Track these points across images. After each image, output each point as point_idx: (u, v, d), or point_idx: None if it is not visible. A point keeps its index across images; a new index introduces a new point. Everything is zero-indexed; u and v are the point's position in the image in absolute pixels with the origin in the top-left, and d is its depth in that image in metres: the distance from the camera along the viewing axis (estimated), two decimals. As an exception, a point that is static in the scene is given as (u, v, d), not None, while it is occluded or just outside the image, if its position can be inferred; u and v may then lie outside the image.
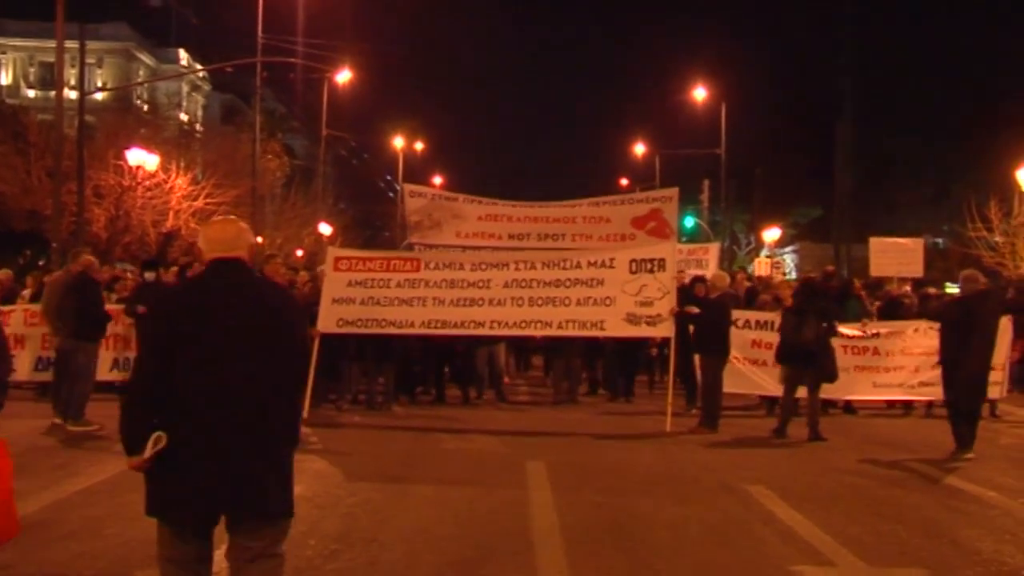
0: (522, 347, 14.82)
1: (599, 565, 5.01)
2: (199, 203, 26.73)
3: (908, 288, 13.21)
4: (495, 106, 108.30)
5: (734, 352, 10.56)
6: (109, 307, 10.31)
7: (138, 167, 24.58)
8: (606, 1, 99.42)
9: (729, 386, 10.38)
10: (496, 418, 10.82)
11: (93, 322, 9.24)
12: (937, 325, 9.21)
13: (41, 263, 22.59)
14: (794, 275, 29.59)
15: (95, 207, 25.00)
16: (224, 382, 3.19)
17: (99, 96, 30.80)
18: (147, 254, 22.75)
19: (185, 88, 44.83)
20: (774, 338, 10.07)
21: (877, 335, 11.28)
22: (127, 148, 24.64)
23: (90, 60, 33.20)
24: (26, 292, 12.73)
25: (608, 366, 12.75)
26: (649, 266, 9.85)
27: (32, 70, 44.77)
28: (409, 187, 13.95)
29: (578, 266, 10.02)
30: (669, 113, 41.31)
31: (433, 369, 12.20)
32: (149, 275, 11.71)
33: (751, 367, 11.02)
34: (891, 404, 11.82)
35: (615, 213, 12.14)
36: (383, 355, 10.92)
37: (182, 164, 27.50)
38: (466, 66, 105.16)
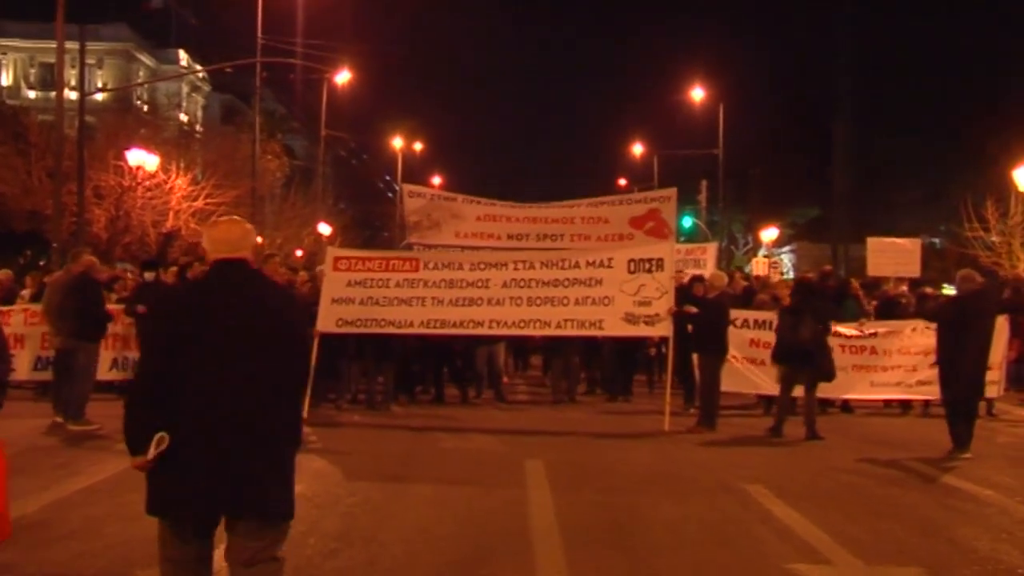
0: (521, 347, 14.85)
1: (597, 563, 5.03)
2: (199, 203, 26.76)
3: (905, 288, 13.23)
4: (494, 106, 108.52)
5: (733, 351, 10.59)
6: (109, 307, 10.33)
7: (138, 167, 24.62)
8: (606, 1, 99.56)
9: (727, 385, 10.41)
10: (495, 417, 10.85)
11: (94, 322, 9.27)
12: (934, 325, 9.23)
13: (42, 263, 22.62)
14: (792, 275, 29.64)
15: (95, 207, 25.03)
16: (226, 382, 3.19)
17: (99, 97, 30.80)
18: (147, 254, 22.78)
19: (185, 89, 44.87)
20: (772, 337, 10.10)
21: (875, 335, 11.31)
22: (127, 149, 24.68)
23: (90, 61, 33.24)
24: (25, 292, 12.75)
25: (608, 366, 12.78)
26: (647, 266, 9.88)
27: (32, 71, 44.82)
28: (408, 187, 13.97)
29: (576, 266, 10.05)
30: (667, 114, 41.57)
31: (432, 369, 12.23)
32: (149, 275, 11.75)
33: (749, 366, 11.05)
34: (888, 403, 11.85)
35: (613, 213, 12.17)
36: (382, 355, 10.95)
37: (182, 164, 27.52)
38: (465, 66, 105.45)
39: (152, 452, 3.13)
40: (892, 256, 13.49)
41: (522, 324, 10.15)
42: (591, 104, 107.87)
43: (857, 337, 11.24)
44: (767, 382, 10.71)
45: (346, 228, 41.58)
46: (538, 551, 5.19)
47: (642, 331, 10.22)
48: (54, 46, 19.41)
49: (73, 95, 24.93)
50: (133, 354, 11.47)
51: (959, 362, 8.39)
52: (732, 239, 44.83)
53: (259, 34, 27.62)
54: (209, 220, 25.99)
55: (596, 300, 9.86)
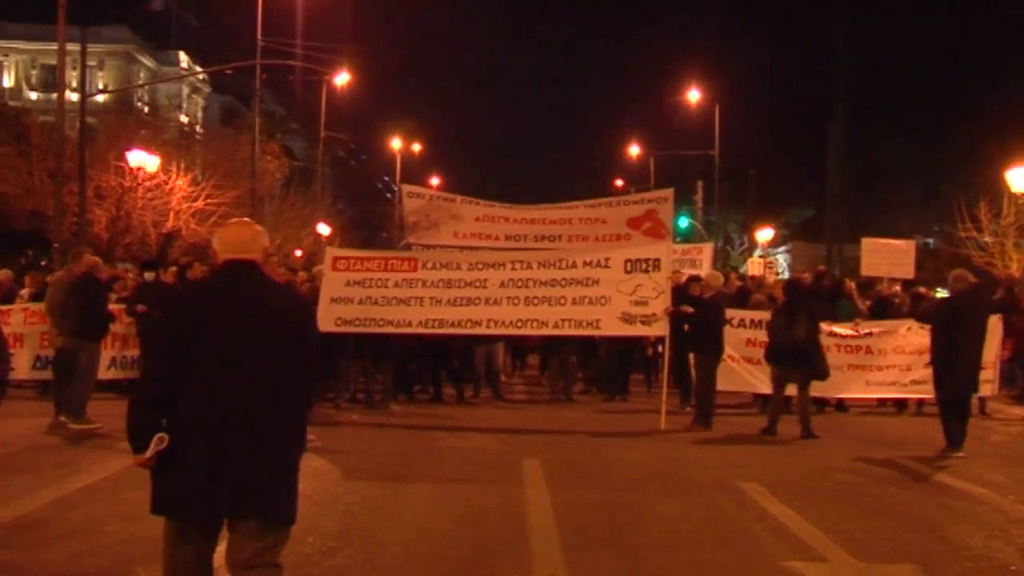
0: (518, 346, 14.90)
1: (594, 561, 5.06)
2: (199, 204, 26.84)
3: (898, 288, 13.28)
4: (491, 107, 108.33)
5: (730, 350, 10.66)
6: (111, 307, 10.37)
7: (139, 168, 24.69)
8: (603, 3, 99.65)
9: (723, 384, 10.46)
10: (493, 416, 10.88)
11: (97, 322, 9.31)
12: (927, 325, 9.28)
13: (43, 263, 22.68)
14: (787, 275, 29.75)
15: (96, 208, 25.10)
16: (230, 382, 3.18)
17: (100, 98, 30.85)
18: (148, 254, 22.85)
19: (185, 90, 44.95)
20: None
21: (870, 334, 11.37)
22: (128, 149, 24.77)
23: (91, 63, 33.25)
24: (25, 292, 12.76)
25: (605, 366, 12.84)
26: (644, 266, 9.92)
27: (34, 73, 44.90)
28: (407, 188, 13.98)
29: (574, 266, 10.09)
30: (664, 115, 41.61)
31: (431, 368, 12.28)
32: (149, 275, 11.81)
33: (746, 365, 11.10)
34: (882, 402, 11.91)
35: (611, 214, 12.20)
36: (381, 354, 10.99)
37: (182, 165, 27.61)
38: (463, 67, 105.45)
39: (151, 451, 3.15)
40: (886, 257, 13.52)
41: (520, 324, 10.19)
42: (588, 105, 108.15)
43: (853, 337, 11.30)
44: (763, 381, 10.75)
45: (345, 228, 41.67)
46: (535, 549, 5.21)
47: (639, 331, 10.27)
48: (55, 48, 19.46)
49: (74, 96, 25.03)
50: (132, 353, 11.54)
51: (954, 361, 8.44)
52: (728, 239, 44.93)
53: (259, 36, 27.70)
54: (209, 220, 26.24)
55: (593, 300, 9.90)
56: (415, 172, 47.45)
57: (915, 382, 10.91)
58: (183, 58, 46.75)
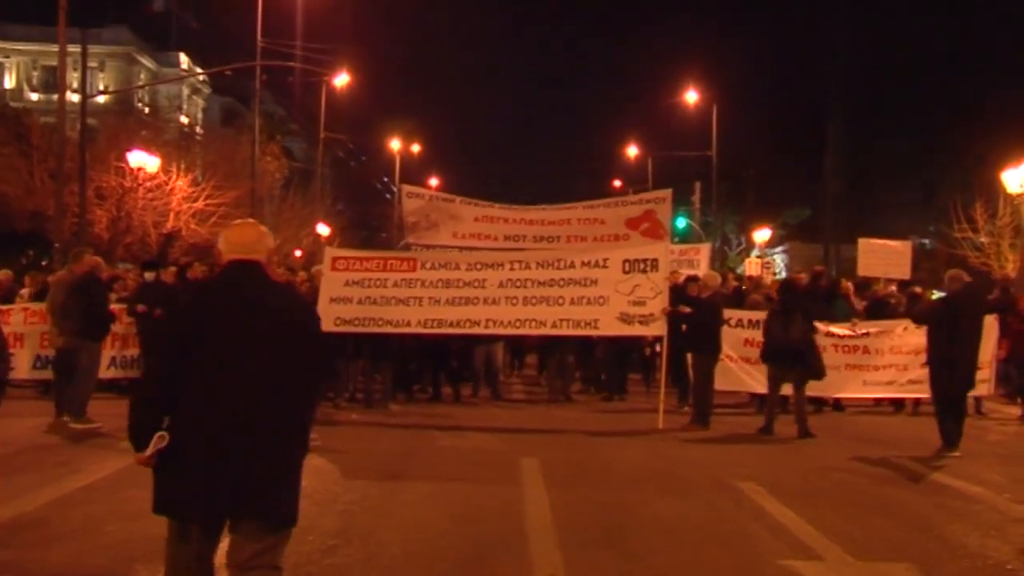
0: (517, 346, 14.93)
1: (592, 560, 5.08)
2: (199, 204, 26.89)
3: (893, 288, 13.32)
4: (490, 108, 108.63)
5: (727, 350, 10.69)
6: (112, 307, 10.41)
7: (139, 169, 24.75)
8: (603, 3, 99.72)
9: (721, 384, 10.50)
10: (491, 415, 10.91)
11: (98, 322, 9.34)
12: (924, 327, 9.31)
13: (44, 263, 22.72)
14: (784, 275, 29.80)
15: (97, 208, 25.16)
16: (231, 382, 3.18)
17: (101, 99, 30.86)
18: (148, 254, 22.91)
19: (185, 91, 44.96)
20: (764, 337, 10.18)
21: (867, 334, 11.41)
22: (128, 150, 24.82)
23: (92, 64, 33.28)
24: (24, 291, 12.79)
25: (602, 365, 12.88)
26: (642, 266, 9.95)
27: (35, 74, 44.95)
28: (407, 188, 14.01)
29: (572, 266, 10.12)
30: (662, 116, 41.73)
31: (430, 368, 12.30)
32: (149, 275, 11.85)
33: (744, 365, 11.12)
34: (879, 402, 11.95)
35: (610, 215, 12.23)
36: (380, 354, 11.03)
37: (182, 166, 27.66)
38: (461, 69, 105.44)
39: (150, 450, 3.16)
40: (882, 257, 13.54)
41: (518, 323, 10.22)
42: (587, 106, 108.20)
43: (850, 337, 11.34)
44: (761, 381, 10.76)
45: (344, 229, 41.68)
46: (534, 547, 5.23)
47: (636, 331, 10.30)
48: (56, 49, 19.51)
49: (75, 97, 25.02)
50: (132, 352, 11.58)
51: (950, 361, 8.48)
52: (725, 240, 45.01)
53: (259, 37, 27.76)
54: (209, 221, 26.30)
55: (591, 300, 9.93)
56: (414, 173, 47.57)
57: (912, 382, 10.95)
58: (183, 59, 46.78)
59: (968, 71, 38.98)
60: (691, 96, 36.80)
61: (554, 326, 10.18)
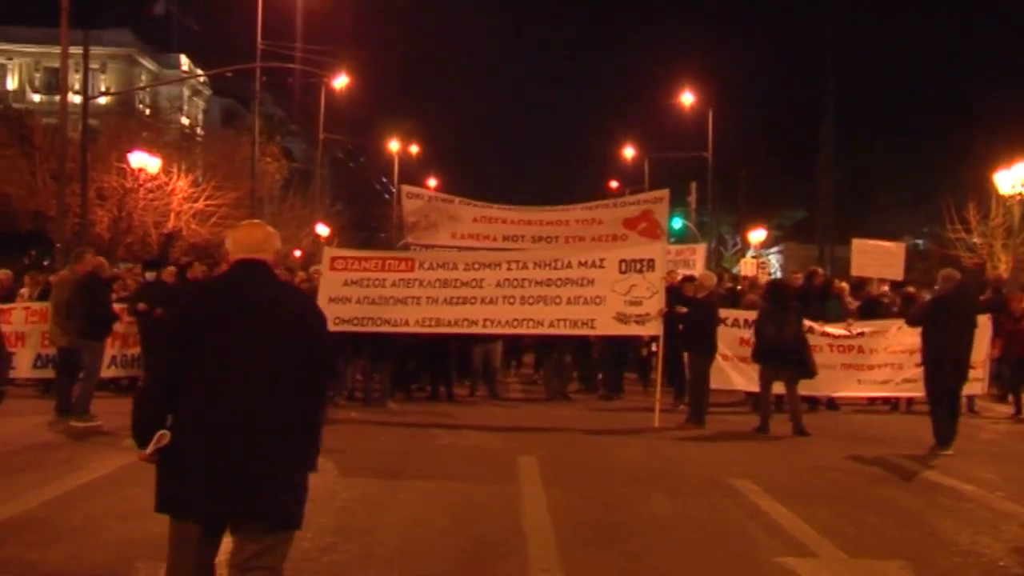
0: (514, 345, 14.98)
1: (589, 557, 5.11)
2: (199, 205, 26.95)
3: (887, 288, 13.36)
4: (489, 109, 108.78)
5: (724, 349, 10.74)
6: (115, 306, 10.46)
7: (140, 169, 24.86)
8: (600, 5, 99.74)
9: (717, 383, 10.55)
10: (489, 414, 10.96)
11: (101, 321, 9.39)
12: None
13: (45, 263, 22.79)
14: (779, 275, 29.87)
15: (98, 208, 25.22)
16: (232, 382, 3.17)
17: (102, 100, 30.86)
18: (149, 254, 22.98)
19: (186, 93, 45.02)
20: (762, 336, 10.22)
21: (862, 334, 11.46)
22: (129, 151, 24.94)
23: (94, 65, 33.31)
24: (24, 291, 12.83)
25: (598, 365, 12.92)
26: (638, 266, 10.00)
27: (37, 75, 44.97)
28: (407, 189, 14.05)
29: (569, 266, 10.17)
30: (658, 117, 41.88)
31: (428, 367, 12.36)
32: (150, 275, 11.91)
33: (740, 364, 11.16)
34: (873, 401, 12.00)
35: (607, 215, 12.27)
36: (379, 353, 11.08)
37: (183, 167, 27.73)
38: (460, 70, 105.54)
39: (151, 448, 3.19)
40: (876, 258, 13.55)
41: (515, 323, 10.27)
42: (583, 108, 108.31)
43: (845, 336, 11.39)
44: (756, 380, 10.81)
45: (343, 229, 41.68)
46: (531, 545, 5.26)
47: (633, 330, 10.35)
48: (58, 51, 19.62)
49: (77, 99, 25.08)
50: (132, 351, 11.64)
51: (944, 357, 8.53)
52: (721, 240, 45.06)
53: (259, 39, 27.84)
54: (209, 221, 26.35)
55: (588, 300, 9.98)
56: (413, 173, 47.68)
57: (906, 381, 11.00)
58: (184, 61, 46.81)
59: (962, 73, 39.03)
60: (687, 97, 36.97)
61: (551, 326, 10.22)
